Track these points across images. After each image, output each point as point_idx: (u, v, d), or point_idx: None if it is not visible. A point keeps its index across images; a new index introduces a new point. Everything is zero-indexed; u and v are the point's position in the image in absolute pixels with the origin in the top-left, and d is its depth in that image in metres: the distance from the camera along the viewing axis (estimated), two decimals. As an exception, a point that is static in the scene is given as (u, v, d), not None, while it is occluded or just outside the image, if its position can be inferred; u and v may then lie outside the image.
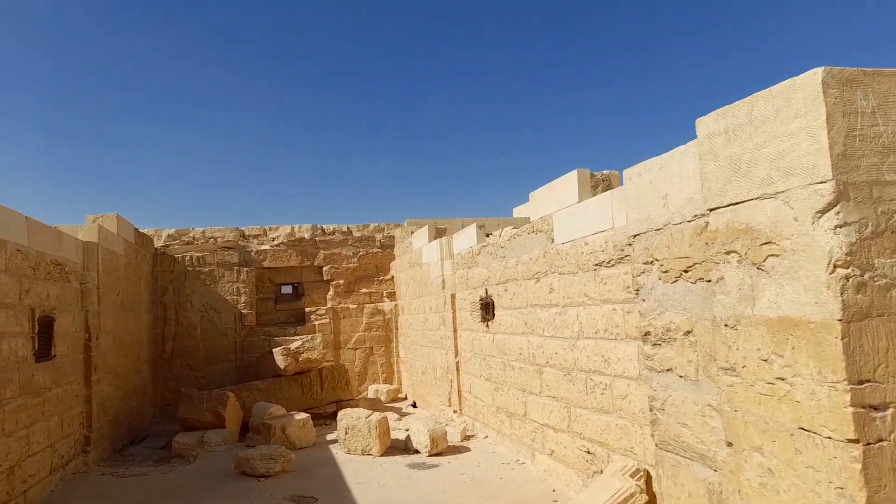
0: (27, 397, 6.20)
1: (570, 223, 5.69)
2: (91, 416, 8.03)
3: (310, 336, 10.40)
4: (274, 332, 12.98)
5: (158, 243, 12.72)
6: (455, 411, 9.37)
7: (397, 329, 13.35)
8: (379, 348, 13.36)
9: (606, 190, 6.95)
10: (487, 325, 8.01)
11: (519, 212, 15.21)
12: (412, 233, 12.54)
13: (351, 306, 13.41)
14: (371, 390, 12.70)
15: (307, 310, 13.36)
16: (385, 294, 13.70)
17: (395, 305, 13.39)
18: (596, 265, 5.25)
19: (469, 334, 8.78)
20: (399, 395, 12.77)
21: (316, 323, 13.20)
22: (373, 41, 39.12)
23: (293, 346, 10.35)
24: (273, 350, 10.67)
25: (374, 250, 13.84)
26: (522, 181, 42.03)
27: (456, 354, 9.34)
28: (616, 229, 4.89)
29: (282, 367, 10.28)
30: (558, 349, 6.01)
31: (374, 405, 11.81)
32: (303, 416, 8.62)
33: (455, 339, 9.37)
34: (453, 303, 9.41)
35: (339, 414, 8.42)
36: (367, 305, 13.44)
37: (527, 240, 6.71)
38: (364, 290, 13.66)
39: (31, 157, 35.73)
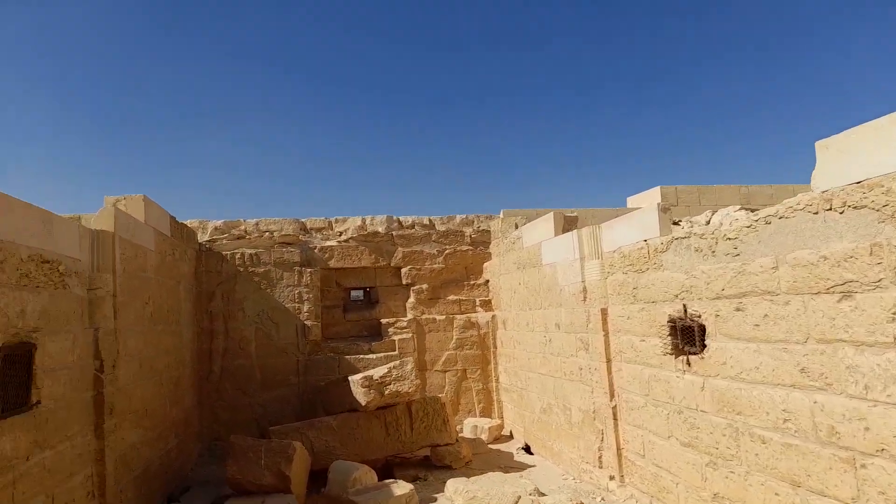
0: (-26, 483, 3.72)
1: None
2: (105, 481, 5.58)
3: (398, 362, 7.78)
4: (343, 348, 10.44)
5: (203, 237, 10.36)
6: (611, 477, 6.55)
7: (496, 347, 10.61)
8: (474, 371, 10.65)
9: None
10: (688, 362, 5.17)
11: (636, 201, 12.28)
12: (517, 225, 9.78)
13: (438, 317, 10.74)
14: (468, 425, 9.99)
15: (383, 321, 10.76)
16: (478, 302, 10.98)
17: (493, 317, 10.65)
18: None
19: (640, 370, 5.96)
20: (502, 434, 10.03)
21: (395, 338, 10.58)
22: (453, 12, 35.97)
23: (376, 373, 7.73)
24: (350, 378, 8.08)
25: (464, 248, 11.15)
26: (609, 175, 38.18)
27: (611, 396, 6.53)
28: None
29: (362, 402, 7.68)
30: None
31: (475, 447, 9.10)
32: (405, 489, 5.95)
33: (608, 373, 6.56)
34: (604, 321, 6.60)
35: (451, 485, 5.76)
36: (458, 316, 10.74)
37: (809, 224, 3.84)
38: (452, 297, 10.98)
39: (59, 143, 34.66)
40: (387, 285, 11.09)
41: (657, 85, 35.59)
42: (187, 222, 10.09)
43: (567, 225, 7.80)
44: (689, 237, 5.07)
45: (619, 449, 6.47)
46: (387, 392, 7.65)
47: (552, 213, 7.84)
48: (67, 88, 31.61)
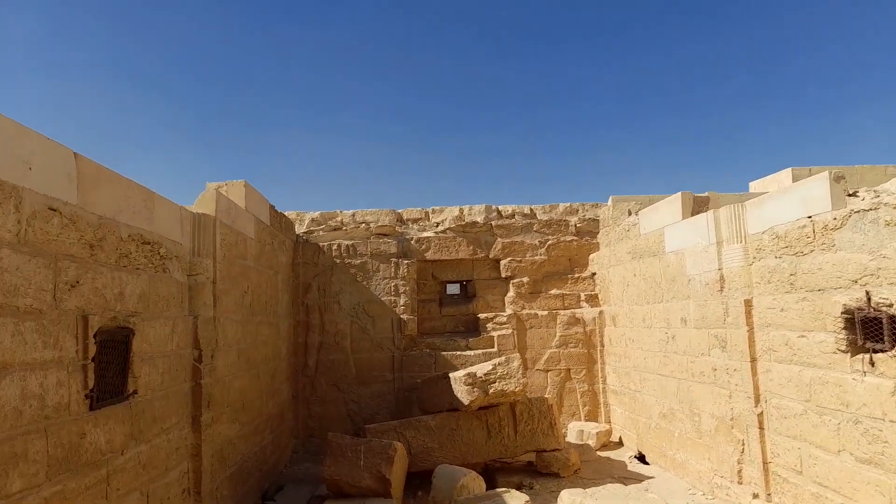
0: (69, 478, 3.43)
1: None
2: (201, 477, 5.31)
3: (503, 358, 7.17)
4: (439, 344, 9.95)
5: (300, 229, 10.17)
6: (755, 495, 5.64)
7: (602, 346, 9.78)
8: (578, 371, 9.87)
9: None
10: (871, 361, 4.25)
11: (761, 185, 11.07)
12: (631, 211, 8.94)
13: (539, 312, 10.05)
14: (573, 430, 9.24)
15: (480, 316, 10.18)
16: (583, 297, 10.18)
17: (600, 313, 9.83)
18: None
19: (798, 372, 5.04)
20: (611, 440, 9.20)
21: (494, 334, 9.98)
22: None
23: (480, 370, 7.14)
24: (450, 376, 7.55)
25: (568, 238, 10.38)
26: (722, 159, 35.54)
27: (756, 401, 5.62)
28: None
29: (464, 401, 7.12)
30: None
31: (583, 454, 8.34)
32: (520, 500, 5.33)
33: (753, 374, 5.65)
34: (748, 314, 5.70)
35: (567, 497, 5.07)
36: (561, 312, 10.00)
37: None
38: (554, 292, 10.24)
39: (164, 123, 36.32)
40: (484, 278, 10.51)
41: (776, 69, 32.51)
42: (284, 213, 9.93)
43: (697, 207, 6.93)
44: (875, 209, 4.15)
45: (765, 463, 5.55)
46: (491, 391, 7.05)
47: (679, 194, 6.98)
48: (166, 79, 33.13)
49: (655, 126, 36.36)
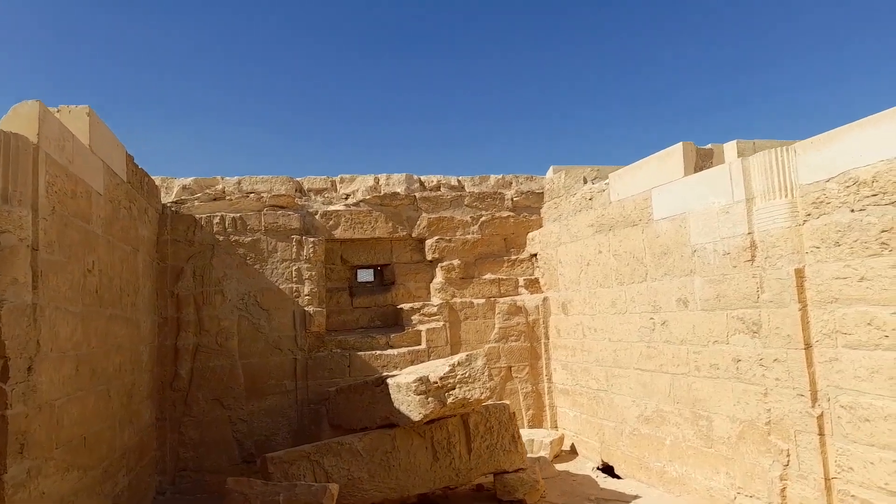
0: None
1: None
2: (6, 577, 3.05)
3: (463, 357, 5.40)
4: (353, 342, 7.99)
5: (167, 198, 7.74)
6: (816, 522, 4.37)
7: (548, 338, 8.35)
8: (521, 369, 8.35)
9: None
10: None
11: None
12: (587, 179, 7.58)
13: (476, 301, 8.40)
14: (524, 438, 7.69)
15: (405, 307, 8.35)
16: (521, 282, 8.69)
17: (545, 300, 8.39)
18: None
19: (891, 359, 3.80)
20: (562, 449, 7.78)
21: (421, 328, 8.19)
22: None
23: (432, 374, 5.32)
24: (388, 382, 5.66)
25: (504, 214, 8.84)
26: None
27: (813, 400, 4.35)
28: None
29: (414, 416, 5.27)
30: None
31: (543, 468, 6.81)
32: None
33: (808, 365, 4.38)
34: (800, 288, 4.43)
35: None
36: (500, 300, 8.43)
37: None
38: (489, 277, 8.67)
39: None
40: (405, 262, 8.69)
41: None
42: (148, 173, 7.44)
43: (700, 161, 5.62)
44: None
45: (827, 479, 4.30)
46: (450, 400, 5.27)
47: (680, 145, 5.64)
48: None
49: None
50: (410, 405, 5.28)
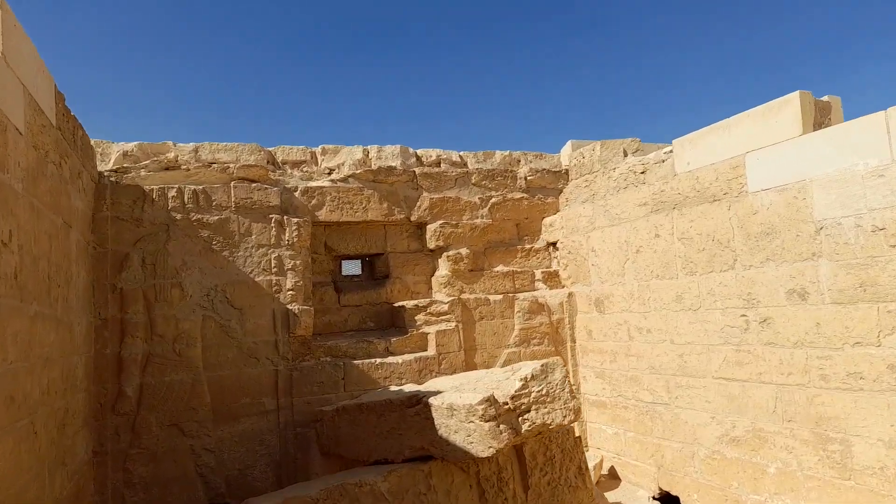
0: None
1: None
2: None
3: (537, 368, 4.01)
4: (346, 348, 6.48)
5: (105, 166, 5.98)
6: None
7: (574, 341, 7.11)
8: (545, 377, 7.06)
9: None
10: None
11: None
12: (627, 151, 6.40)
13: (492, 298, 7.05)
14: (558, 465, 6.39)
15: (407, 304, 6.89)
16: (538, 276, 7.42)
17: (570, 296, 7.15)
18: None
19: None
20: (602, 474, 6.55)
21: (428, 331, 6.76)
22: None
23: (500, 392, 3.93)
24: (431, 402, 4.19)
25: (516, 196, 7.54)
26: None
27: None
28: None
29: (480, 450, 3.85)
30: None
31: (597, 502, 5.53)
32: None
33: None
34: None
35: None
36: (520, 297, 7.12)
37: None
38: (501, 269, 7.35)
39: None
40: (402, 251, 7.24)
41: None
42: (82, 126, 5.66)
43: (819, 116, 4.51)
44: None
45: None
46: (525, 427, 3.90)
47: (797, 93, 4.50)
48: None
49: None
50: (472, 435, 3.86)
